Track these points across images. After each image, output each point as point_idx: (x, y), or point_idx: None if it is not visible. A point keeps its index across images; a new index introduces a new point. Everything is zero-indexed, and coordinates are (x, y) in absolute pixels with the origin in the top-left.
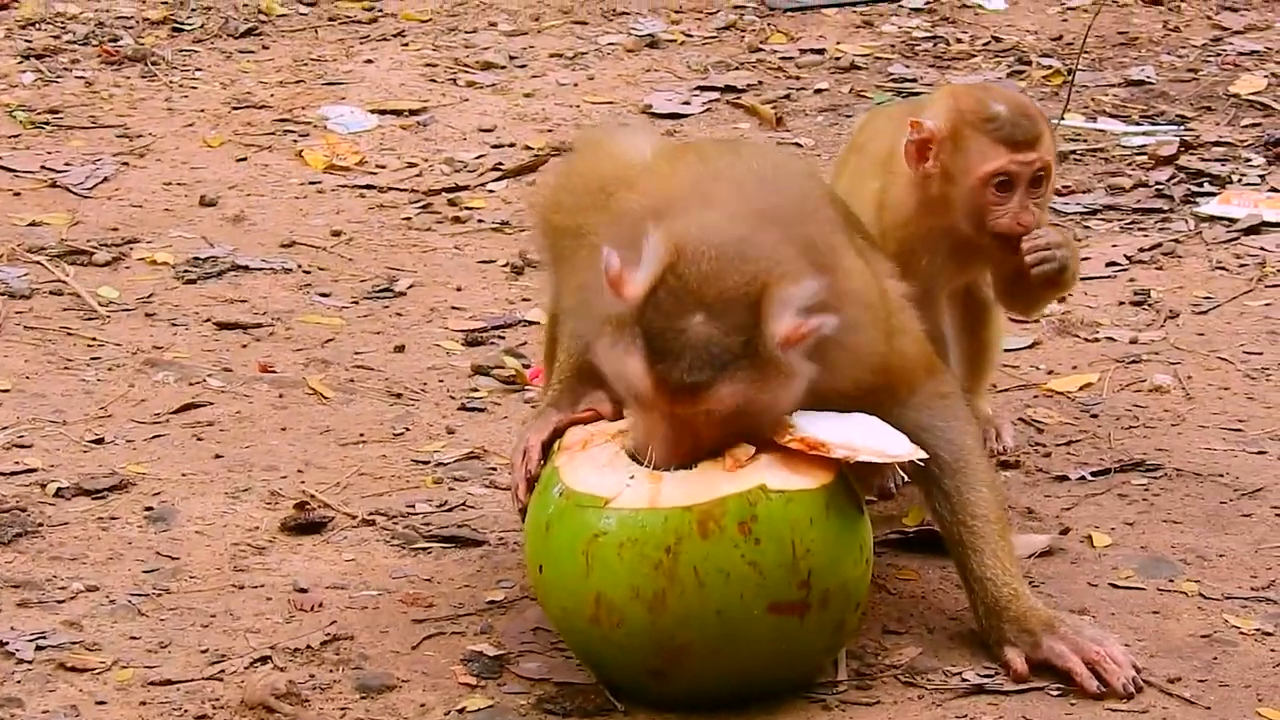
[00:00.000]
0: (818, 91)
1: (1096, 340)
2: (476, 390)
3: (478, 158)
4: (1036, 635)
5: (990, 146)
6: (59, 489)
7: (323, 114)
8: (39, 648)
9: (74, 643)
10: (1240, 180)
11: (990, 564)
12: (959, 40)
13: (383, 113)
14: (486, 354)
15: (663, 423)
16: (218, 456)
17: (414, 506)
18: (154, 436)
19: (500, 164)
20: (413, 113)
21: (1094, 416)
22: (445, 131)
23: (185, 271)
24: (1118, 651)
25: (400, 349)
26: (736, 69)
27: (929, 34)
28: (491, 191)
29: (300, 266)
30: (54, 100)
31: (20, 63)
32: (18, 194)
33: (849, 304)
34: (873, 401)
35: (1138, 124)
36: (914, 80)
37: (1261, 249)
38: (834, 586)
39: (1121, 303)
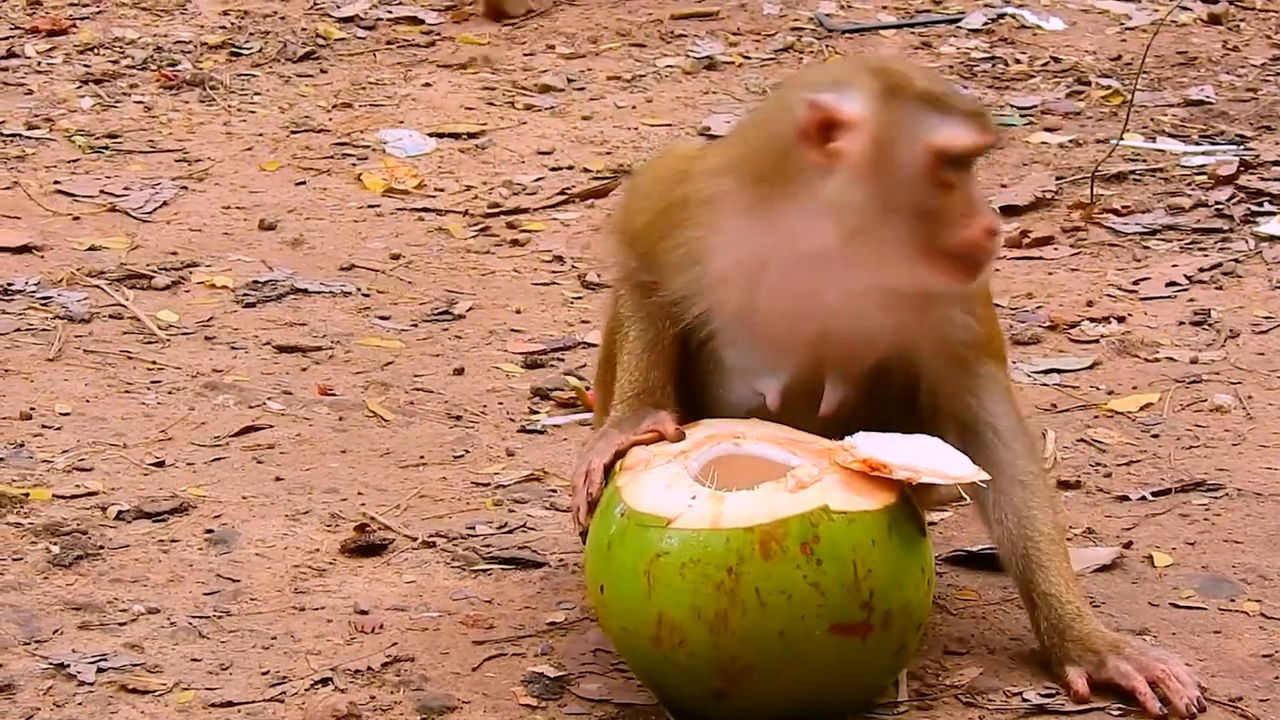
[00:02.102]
0: None
1: (1157, 360)
2: (536, 412)
3: (536, 180)
4: (1101, 655)
5: None
6: (120, 512)
7: (381, 137)
8: (100, 670)
9: (135, 665)
10: None
11: (1055, 581)
12: (1017, 61)
13: (441, 136)
14: (546, 376)
15: None
16: (278, 479)
17: (474, 528)
18: (214, 459)
19: (567, 190)
20: (471, 136)
21: (1155, 436)
22: (503, 154)
23: (245, 295)
24: (1182, 671)
25: (460, 371)
26: None
27: (987, 55)
28: (552, 217)
29: (359, 289)
30: (113, 125)
31: (79, 88)
32: (77, 218)
33: None
34: (953, 367)
35: (1197, 144)
36: None
37: None
38: (896, 607)
39: (1182, 323)
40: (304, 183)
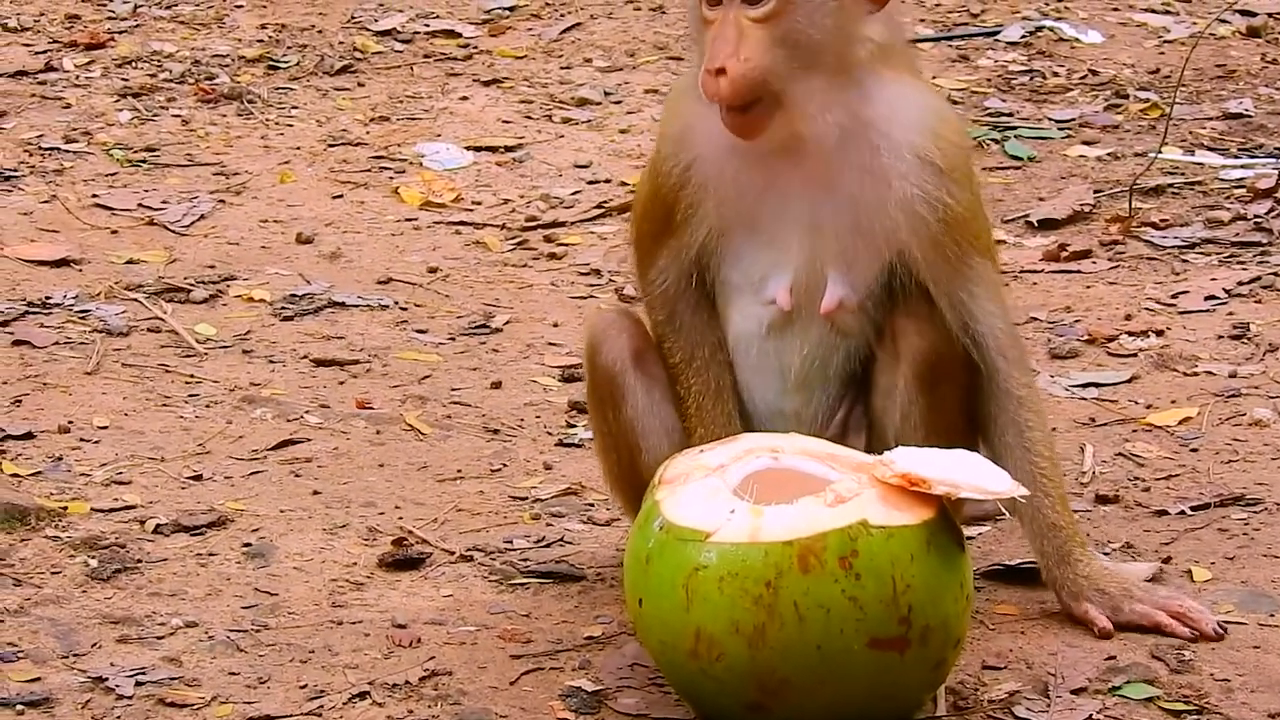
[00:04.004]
0: None
1: (1195, 374)
2: (573, 426)
3: (573, 194)
4: (1114, 599)
5: None
6: (158, 525)
7: (418, 151)
8: (139, 683)
9: (173, 678)
10: None
11: (1060, 511)
12: (1055, 74)
13: (478, 149)
14: (583, 390)
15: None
16: (315, 493)
17: (512, 542)
18: (252, 473)
19: (604, 203)
20: (508, 149)
21: (1193, 451)
22: (541, 168)
23: (282, 308)
24: (1193, 604)
25: (497, 385)
26: None
27: (1025, 68)
28: (589, 230)
29: (397, 303)
30: (151, 138)
31: (117, 101)
32: (115, 232)
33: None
34: (941, 256)
35: (1236, 157)
36: (1010, 115)
37: None
38: (934, 623)
39: (1220, 336)
40: (341, 196)
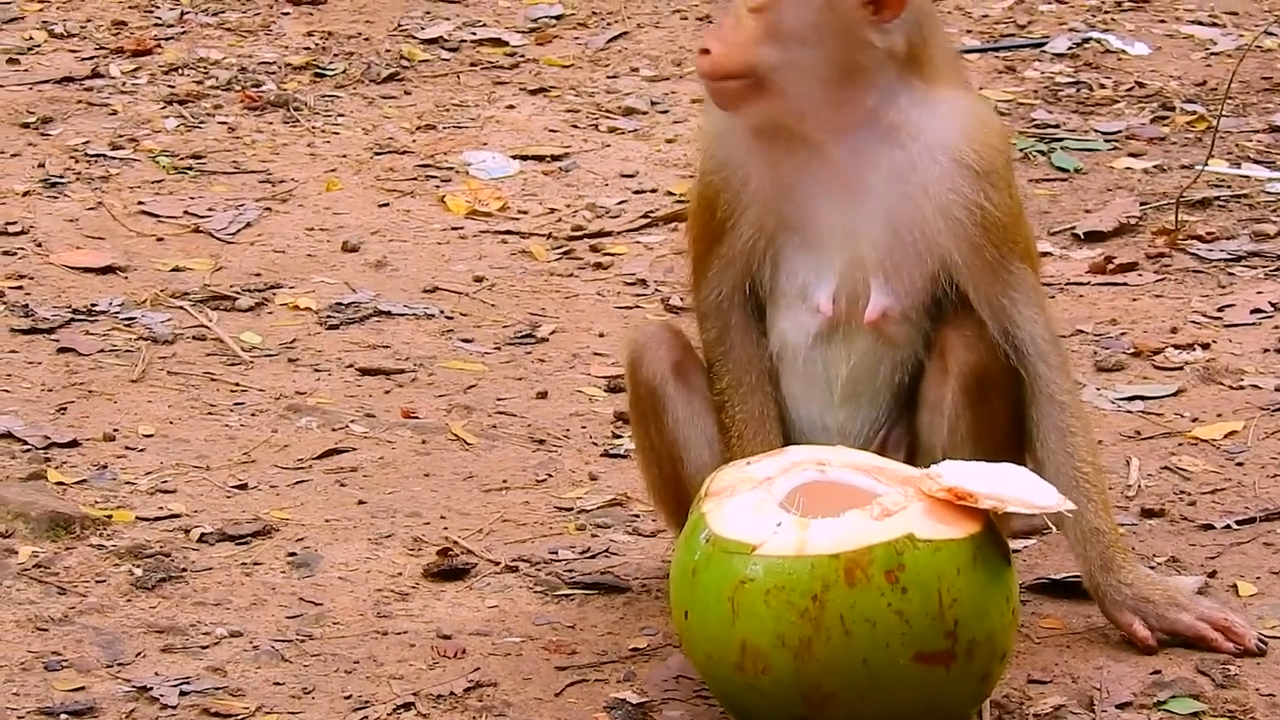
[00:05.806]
0: None
1: (1241, 388)
2: (619, 437)
3: (620, 203)
4: (1159, 607)
5: None
6: (203, 534)
7: (465, 159)
8: (183, 693)
9: (218, 688)
10: None
11: (1104, 517)
12: (1102, 86)
13: (524, 158)
14: (628, 401)
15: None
16: (361, 502)
17: (557, 553)
18: (297, 482)
19: (650, 213)
20: (555, 158)
21: (1239, 464)
22: (587, 177)
23: (328, 317)
24: (1237, 617)
25: (543, 395)
26: None
27: (1072, 79)
28: (635, 240)
29: (442, 312)
30: (197, 146)
31: (163, 108)
32: (161, 239)
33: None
34: (981, 260)
35: None
36: (1056, 126)
37: None
38: (980, 637)
39: (1266, 350)
40: (387, 204)
